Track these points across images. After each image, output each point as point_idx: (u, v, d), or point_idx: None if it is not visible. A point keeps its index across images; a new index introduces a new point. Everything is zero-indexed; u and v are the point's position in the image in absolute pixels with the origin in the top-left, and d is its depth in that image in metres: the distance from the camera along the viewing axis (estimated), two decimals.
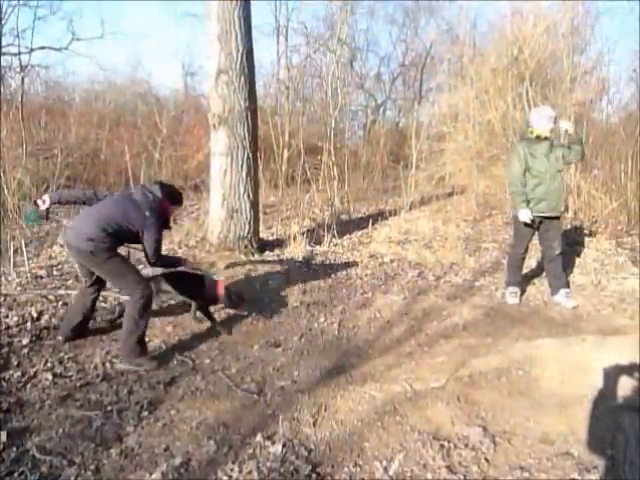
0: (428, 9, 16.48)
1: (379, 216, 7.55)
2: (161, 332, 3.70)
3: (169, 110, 11.78)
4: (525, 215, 4.07)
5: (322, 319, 4.05)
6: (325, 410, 2.61)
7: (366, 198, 9.93)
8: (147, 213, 3.22)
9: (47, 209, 3.34)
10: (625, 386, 2.60)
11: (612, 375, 2.69)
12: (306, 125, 13.15)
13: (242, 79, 5.55)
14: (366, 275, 5.16)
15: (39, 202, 3.33)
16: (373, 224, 7.12)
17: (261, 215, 6.75)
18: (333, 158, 10.32)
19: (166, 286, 3.76)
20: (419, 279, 5.01)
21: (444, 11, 15.33)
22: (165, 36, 28.60)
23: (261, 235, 6.20)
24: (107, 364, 3.20)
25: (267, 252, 5.68)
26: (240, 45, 5.52)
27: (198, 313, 3.83)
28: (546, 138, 4.11)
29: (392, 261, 5.65)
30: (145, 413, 2.65)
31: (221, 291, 3.79)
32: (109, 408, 2.68)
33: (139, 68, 15.56)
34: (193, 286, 3.80)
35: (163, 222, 3.38)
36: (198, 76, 16.52)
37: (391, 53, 20.03)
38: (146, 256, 3.30)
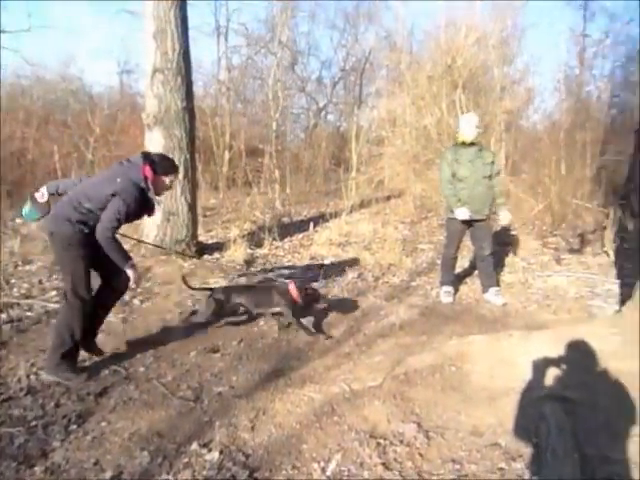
0: (367, 16, 16.84)
1: (320, 218, 7.61)
2: None
3: (103, 108, 11.29)
4: (462, 213, 4.24)
5: (262, 322, 4.01)
6: (263, 414, 2.59)
7: (308, 201, 9.99)
8: (118, 180, 2.86)
9: (47, 202, 3.07)
10: (549, 377, 2.75)
11: (537, 368, 2.85)
12: (247, 127, 13.04)
13: (179, 79, 5.43)
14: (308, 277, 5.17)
15: (37, 195, 3.07)
16: (314, 226, 7.17)
17: (201, 218, 6.62)
18: (275, 161, 10.32)
19: (239, 299, 3.73)
20: (358, 280, 5.10)
21: (382, 18, 15.74)
22: (99, 32, 27.41)
23: (200, 238, 6.08)
24: (32, 376, 3.01)
25: (206, 256, 5.57)
26: (176, 44, 5.40)
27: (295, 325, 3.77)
28: (473, 144, 4.31)
29: (333, 263, 5.71)
30: (73, 427, 2.51)
31: (296, 294, 3.73)
32: (33, 423, 2.52)
33: (71, 64, 14.74)
34: (265, 299, 3.76)
35: (139, 194, 2.92)
36: (135, 74, 15.98)
37: (332, 57, 20.25)
38: (98, 226, 2.85)
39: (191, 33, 5.69)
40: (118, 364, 3.22)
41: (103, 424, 2.55)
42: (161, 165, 3.05)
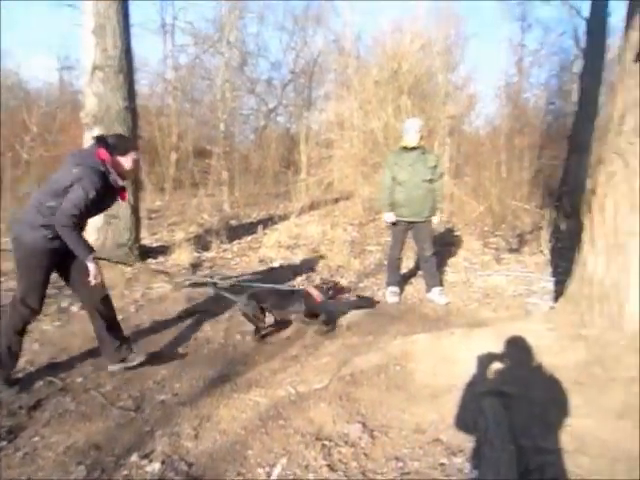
0: (316, 19, 16.94)
1: (269, 221, 7.57)
2: (27, 351, 3.32)
3: (41, 106, 10.73)
4: (388, 218, 4.49)
5: (208, 327, 3.94)
6: (208, 421, 2.53)
7: (257, 203, 9.91)
8: (74, 170, 2.69)
9: None
10: (488, 373, 2.86)
11: (477, 364, 2.95)
12: (195, 127, 12.79)
13: (120, 77, 5.25)
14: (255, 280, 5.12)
15: None
16: (263, 229, 7.11)
17: (145, 221, 6.42)
18: (223, 162, 10.18)
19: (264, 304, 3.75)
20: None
21: (331, 23, 15.87)
22: (38, 25, 26.00)
23: (144, 242, 5.89)
24: None
25: (150, 260, 5.40)
26: (118, 41, 5.22)
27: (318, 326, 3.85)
28: (415, 148, 4.41)
29: (282, 266, 5.69)
30: (3, 443, 2.37)
31: (318, 297, 3.83)
32: None
33: (7, 58, 13.93)
34: (289, 303, 3.82)
35: (100, 179, 2.74)
36: (76, 70, 15.30)
37: (282, 59, 20.23)
38: (57, 215, 2.68)
39: (135, 30, 5.56)
40: (54, 375, 3.06)
41: (36, 439, 2.42)
42: (116, 145, 2.87)
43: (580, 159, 8.04)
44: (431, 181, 4.45)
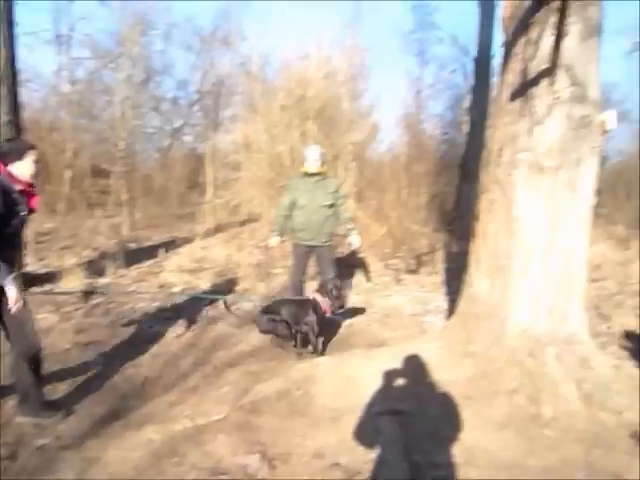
0: (223, 41, 16.93)
1: (172, 244, 7.30)
2: None
3: None
4: (273, 242, 4.67)
5: (100, 360, 3.66)
6: (94, 465, 2.34)
7: (160, 225, 9.53)
8: None
9: None
10: (387, 392, 2.95)
11: (377, 384, 3.04)
12: (93, 145, 12.07)
13: (3, 89, 4.85)
14: (154, 307, 4.88)
15: None
16: (165, 252, 6.83)
17: (32, 245, 5.89)
18: (123, 182, 9.68)
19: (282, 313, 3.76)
20: (210, 308, 4.95)
21: (238, 45, 15.92)
22: None
23: (30, 267, 5.39)
24: None
25: (35, 287, 4.94)
26: (2, 49, 4.83)
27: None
28: (316, 174, 4.52)
29: (184, 291, 5.48)
30: None
31: (326, 306, 3.87)
32: None
33: None
34: (302, 313, 3.80)
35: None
36: None
37: (188, 78, 19.86)
38: None
39: (25, 40, 5.15)
40: None
41: None
42: (9, 151, 2.63)
43: (470, 186, 8.73)
44: (331, 206, 4.57)
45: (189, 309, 4.88)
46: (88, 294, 4.97)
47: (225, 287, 5.59)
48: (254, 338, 4.16)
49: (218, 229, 8.53)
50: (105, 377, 3.43)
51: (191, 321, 4.50)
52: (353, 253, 6.94)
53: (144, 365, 3.62)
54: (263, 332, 3.85)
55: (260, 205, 8.40)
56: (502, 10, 3.35)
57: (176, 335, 4.18)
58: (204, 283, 5.72)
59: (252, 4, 19.28)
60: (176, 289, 5.52)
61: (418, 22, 16.57)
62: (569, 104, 3.02)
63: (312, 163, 4.48)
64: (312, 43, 9.76)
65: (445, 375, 3.16)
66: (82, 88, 12.46)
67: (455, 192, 9.56)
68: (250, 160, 8.58)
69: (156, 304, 4.97)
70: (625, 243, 8.29)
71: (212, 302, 5.10)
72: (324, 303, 3.90)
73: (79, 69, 12.78)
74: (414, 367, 3.28)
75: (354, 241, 4.75)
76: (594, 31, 3.07)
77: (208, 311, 4.90)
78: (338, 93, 9.55)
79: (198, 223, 8.60)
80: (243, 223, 8.97)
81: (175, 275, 5.96)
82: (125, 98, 10.86)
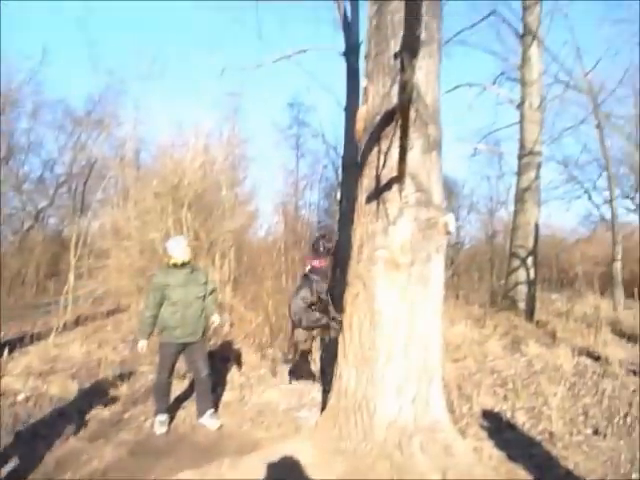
0: (98, 124, 16.55)
1: (20, 341, 6.42)
2: None
3: None
4: (141, 345, 4.32)
5: None
6: None
7: (10, 317, 8.39)
8: None
9: None
10: None
11: None
12: None
13: None
14: None
15: None
16: (10, 352, 5.96)
17: None
18: None
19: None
20: (59, 420, 4.31)
21: (113, 128, 15.64)
22: None
23: None
24: None
25: None
26: None
27: None
28: (185, 264, 4.37)
29: (28, 399, 4.75)
30: None
31: None
32: None
33: None
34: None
35: None
36: None
37: (57, 158, 18.83)
38: None
39: None
40: None
41: None
42: None
43: (342, 274, 9.10)
44: (204, 298, 4.42)
45: (34, 421, 4.21)
46: None
47: (79, 393, 4.96)
48: (110, 452, 3.68)
49: (79, 322, 7.74)
50: None
51: (31, 436, 3.87)
52: (227, 345, 6.70)
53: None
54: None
55: (128, 295, 7.88)
56: (357, 123, 3.73)
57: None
58: (54, 388, 5.01)
59: (132, 89, 19.35)
60: (20, 397, 4.76)
61: (294, 119, 17.99)
62: (416, 208, 3.37)
63: (181, 253, 4.33)
64: (190, 132, 9.95)
65: (317, 476, 3.05)
66: None
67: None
68: (119, 247, 8.13)
69: None
70: (481, 322, 9.12)
71: (62, 413, 4.46)
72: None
73: None
74: (285, 471, 3.13)
75: (216, 320, 4.53)
76: (434, 146, 3.55)
77: (57, 422, 4.25)
78: (217, 180, 9.69)
79: (55, 315, 7.74)
80: (109, 314, 8.27)
81: (20, 380, 5.17)
82: None
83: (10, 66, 16.19)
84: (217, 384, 5.05)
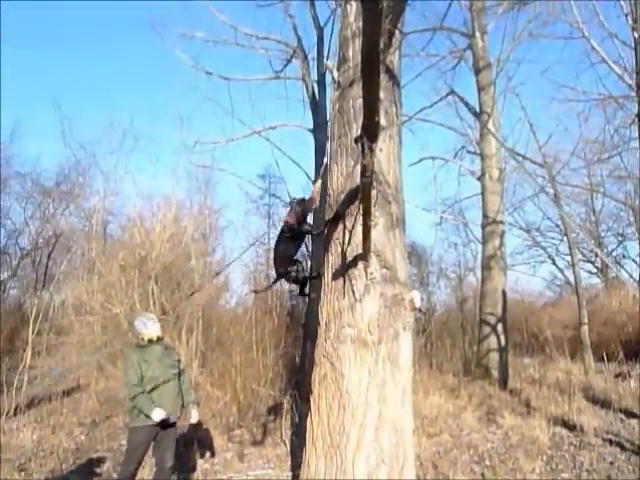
0: (67, 196, 16.45)
1: None
2: None
3: None
4: (159, 414, 3.87)
5: None
6: None
7: None
8: None
9: None
10: None
11: None
12: None
13: None
14: None
15: None
16: None
17: None
18: None
19: None
20: None
21: (82, 200, 15.59)
22: None
23: None
24: None
25: None
26: None
27: None
28: (158, 340, 4.22)
29: None
30: None
31: None
32: None
33: None
34: None
35: None
36: None
37: (22, 229, 18.49)
38: None
39: None
40: None
41: None
42: None
43: (313, 347, 8.90)
44: (179, 376, 4.23)
45: None
46: None
47: None
48: None
49: (33, 404, 7.22)
50: None
51: None
52: (192, 426, 6.33)
53: None
54: None
55: (88, 373, 7.47)
56: (312, 194, 3.82)
57: None
58: None
59: (102, 162, 19.45)
60: None
61: (265, 190, 18.39)
62: (382, 284, 3.38)
63: (154, 328, 4.20)
64: (161, 203, 9.98)
65: None
66: None
67: (301, 351, 9.69)
68: (80, 323, 7.81)
69: None
70: (455, 392, 8.96)
71: None
72: None
73: None
74: None
75: (195, 416, 4.34)
76: (397, 223, 3.62)
77: None
78: (186, 251, 9.61)
79: (6, 397, 7.21)
80: (66, 394, 7.76)
81: None
82: None
83: None
84: (180, 471, 4.71)
